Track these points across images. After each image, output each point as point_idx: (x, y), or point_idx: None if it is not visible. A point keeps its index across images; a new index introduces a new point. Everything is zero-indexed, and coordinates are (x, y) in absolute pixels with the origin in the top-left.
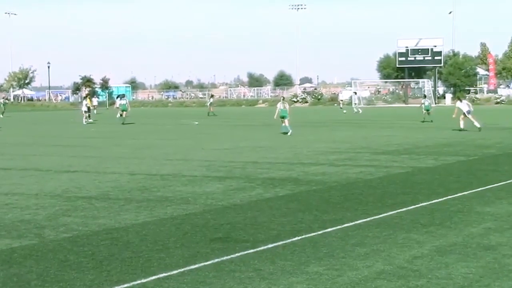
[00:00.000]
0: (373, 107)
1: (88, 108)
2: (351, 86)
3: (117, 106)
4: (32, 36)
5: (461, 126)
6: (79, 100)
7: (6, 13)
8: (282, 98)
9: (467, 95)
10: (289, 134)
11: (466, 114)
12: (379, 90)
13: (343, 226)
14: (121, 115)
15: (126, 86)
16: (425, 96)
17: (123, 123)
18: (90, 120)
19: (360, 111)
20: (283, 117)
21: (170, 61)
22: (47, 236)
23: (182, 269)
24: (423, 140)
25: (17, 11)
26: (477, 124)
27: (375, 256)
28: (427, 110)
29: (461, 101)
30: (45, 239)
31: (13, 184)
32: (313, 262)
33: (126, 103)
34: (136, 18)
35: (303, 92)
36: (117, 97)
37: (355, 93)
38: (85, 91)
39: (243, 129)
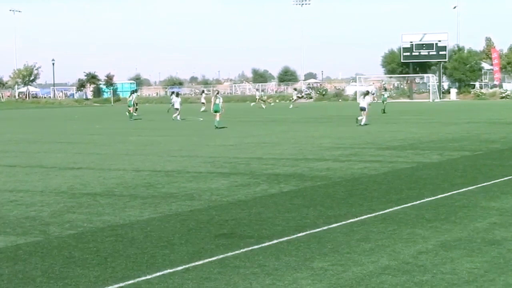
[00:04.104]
0: (378, 102)
1: (135, 103)
2: (355, 82)
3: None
4: (36, 33)
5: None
6: (171, 97)
7: (10, 10)
8: (216, 92)
9: (472, 90)
10: (217, 126)
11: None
12: (384, 85)
13: (348, 221)
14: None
15: (130, 83)
16: (385, 89)
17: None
18: (136, 115)
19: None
20: (216, 111)
21: (175, 58)
22: (52, 233)
23: (187, 265)
24: (427, 135)
25: (22, 8)
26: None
27: (380, 251)
28: (384, 101)
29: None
30: (50, 235)
31: (18, 181)
32: (318, 257)
33: (133, 99)
34: (140, 15)
35: (308, 88)
36: (132, 92)
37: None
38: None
39: (248, 125)
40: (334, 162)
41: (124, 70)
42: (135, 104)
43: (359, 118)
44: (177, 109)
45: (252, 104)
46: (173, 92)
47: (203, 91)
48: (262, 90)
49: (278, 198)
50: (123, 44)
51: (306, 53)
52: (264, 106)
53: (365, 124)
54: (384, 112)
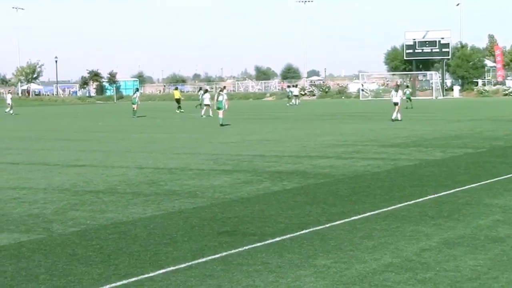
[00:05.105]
0: (380, 100)
1: (178, 100)
2: (358, 79)
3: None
4: (39, 31)
5: (395, 116)
6: (200, 95)
7: (13, 7)
8: (219, 89)
9: (475, 87)
10: (220, 122)
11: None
12: (387, 82)
13: (350, 219)
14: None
15: (134, 80)
16: (407, 86)
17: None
18: (182, 110)
19: None
20: (218, 109)
21: (177, 55)
22: (55, 230)
23: (190, 263)
24: (430, 133)
25: (25, 5)
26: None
27: (383, 248)
28: (409, 98)
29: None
30: (53, 233)
31: (21, 179)
32: (320, 255)
33: (137, 97)
34: (143, 12)
35: (311, 85)
36: (136, 90)
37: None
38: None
39: (251, 123)
40: (337, 160)
41: (127, 68)
42: (179, 101)
43: (393, 116)
44: (207, 105)
45: (296, 102)
46: (200, 88)
47: (224, 87)
48: (294, 86)
49: (281, 195)
50: (126, 42)
51: (308, 50)
52: (289, 104)
53: (397, 120)
54: (411, 108)
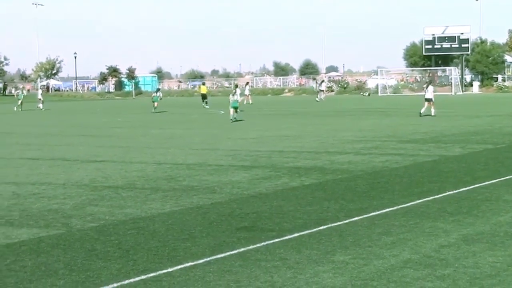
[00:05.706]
0: (399, 95)
1: (204, 95)
2: (377, 75)
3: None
4: (59, 27)
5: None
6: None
7: (33, 3)
8: (235, 85)
9: (495, 83)
10: (236, 118)
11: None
12: (407, 78)
13: (369, 215)
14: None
15: (152, 76)
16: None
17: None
18: (207, 106)
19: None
20: (234, 108)
21: (196, 51)
22: (74, 226)
23: (208, 258)
24: (449, 128)
25: (44, 1)
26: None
27: (402, 245)
28: None
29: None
30: (72, 228)
31: (40, 174)
32: (339, 251)
33: (158, 96)
34: (161, 8)
35: (329, 81)
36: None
37: None
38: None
39: (269, 118)
40: (355, 155)
41: (146, 63)
42: (205, 96)
43: (421, 111)
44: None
45: (318, 97)
46: (237, 85)
47: (247, 83)
48: (322, 81)
49: (299, 191)
50: (145, 38)
51: (327, 46)
52: (319, 98)
53: (425, 115)
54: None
